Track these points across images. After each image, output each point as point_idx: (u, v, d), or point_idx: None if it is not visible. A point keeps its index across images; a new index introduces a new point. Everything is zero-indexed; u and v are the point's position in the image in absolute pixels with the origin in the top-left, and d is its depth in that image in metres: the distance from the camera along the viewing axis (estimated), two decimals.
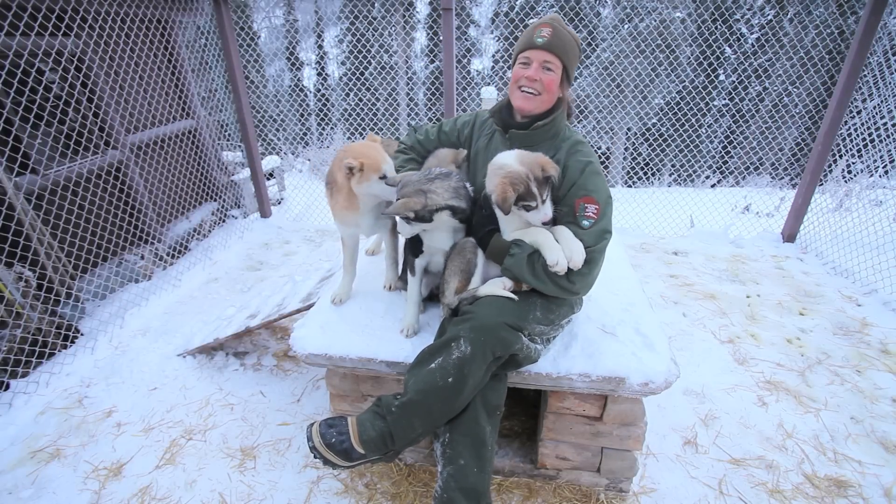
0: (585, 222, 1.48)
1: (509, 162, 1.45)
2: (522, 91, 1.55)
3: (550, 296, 1.56)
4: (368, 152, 1.62)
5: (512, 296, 1.49)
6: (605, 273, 1.68)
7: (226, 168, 4.83)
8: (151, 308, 3.18)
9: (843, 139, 4.14)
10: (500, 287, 1.52)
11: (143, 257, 3.55)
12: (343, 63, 20.73)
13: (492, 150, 1.70)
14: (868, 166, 4.82)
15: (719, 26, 11.68)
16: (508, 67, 1.68)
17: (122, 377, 2.47)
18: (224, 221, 4.70)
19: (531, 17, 15.53)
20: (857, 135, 4.16)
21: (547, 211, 1.48)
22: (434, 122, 1.95)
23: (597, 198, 1.49)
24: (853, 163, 5.38)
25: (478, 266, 1.59)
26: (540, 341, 1.57)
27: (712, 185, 7.99)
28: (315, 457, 1.39)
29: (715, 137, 14.74)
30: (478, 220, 1.60)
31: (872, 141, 4.12)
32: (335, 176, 1.71)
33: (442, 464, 1.44)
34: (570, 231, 1.48)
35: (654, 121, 13.70)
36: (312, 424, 1.42)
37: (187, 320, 3.05)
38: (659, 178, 9.61)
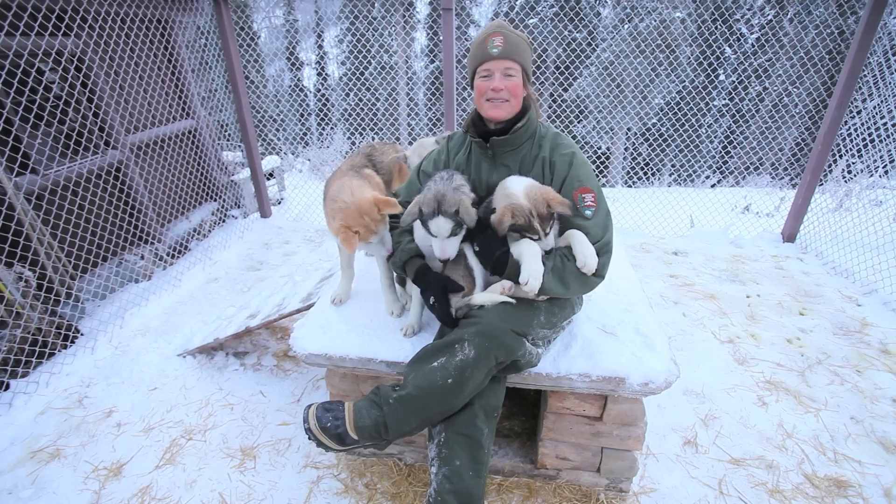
0: (588, 211, 1.52)
1: (517, 192, 1.46)
2: (490, 102, 1.56)
3: (555, 299, 1.57)
4: (361, 220, 1.60)
5: (510, 300, 1.49)
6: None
7: (226, 168, 4.83)
8: (151, 308, 3.18)
9: (843, 139, 4.14)
10: (497, 292, 1.52)
11: (143, 257, 3.55)
12: (343, 63, 20.73)
13: (473, 164, 1.71)
14: (868, 166, 4.82)
15: (719, 26, 11.67)
16: (468, 84, 1.66)
17: (122, 377, 2.47)
18: (224, 221, 4.70)
19: (531, 17, 15.51)
20: (857, 135, 4.16)
21: (550, 241, 1.50)
22: (418, 173, 1.88)
23: (590, 185, 1.54)
24: (853, 163, 5.38)
25: (475, 269, 1.59)
26: (541, 344, 1.58)
27: (712, 185, 7.99)
28: (309, 438, 1.44)
29: (715, 137, 14.74)
30: (483, 241, 1.58)
31: (872, 141, 4.12)
32: (330, 208, 1.72)
33: (437, 465, 1.44)
34: (581, 233, 1.49)
35: (654, 121, 13.70)
36: (310, 406, 1.46)
37: (187, 320, 3.05)
38: (659, 178, 9.60)
